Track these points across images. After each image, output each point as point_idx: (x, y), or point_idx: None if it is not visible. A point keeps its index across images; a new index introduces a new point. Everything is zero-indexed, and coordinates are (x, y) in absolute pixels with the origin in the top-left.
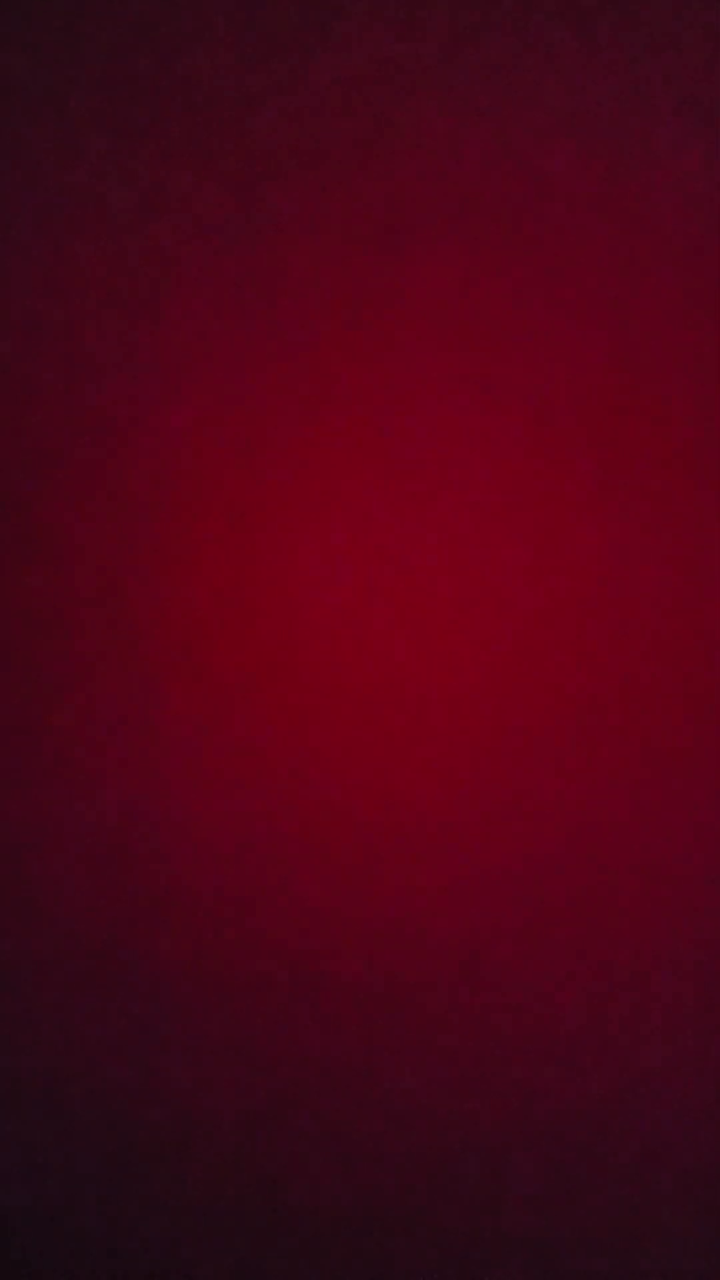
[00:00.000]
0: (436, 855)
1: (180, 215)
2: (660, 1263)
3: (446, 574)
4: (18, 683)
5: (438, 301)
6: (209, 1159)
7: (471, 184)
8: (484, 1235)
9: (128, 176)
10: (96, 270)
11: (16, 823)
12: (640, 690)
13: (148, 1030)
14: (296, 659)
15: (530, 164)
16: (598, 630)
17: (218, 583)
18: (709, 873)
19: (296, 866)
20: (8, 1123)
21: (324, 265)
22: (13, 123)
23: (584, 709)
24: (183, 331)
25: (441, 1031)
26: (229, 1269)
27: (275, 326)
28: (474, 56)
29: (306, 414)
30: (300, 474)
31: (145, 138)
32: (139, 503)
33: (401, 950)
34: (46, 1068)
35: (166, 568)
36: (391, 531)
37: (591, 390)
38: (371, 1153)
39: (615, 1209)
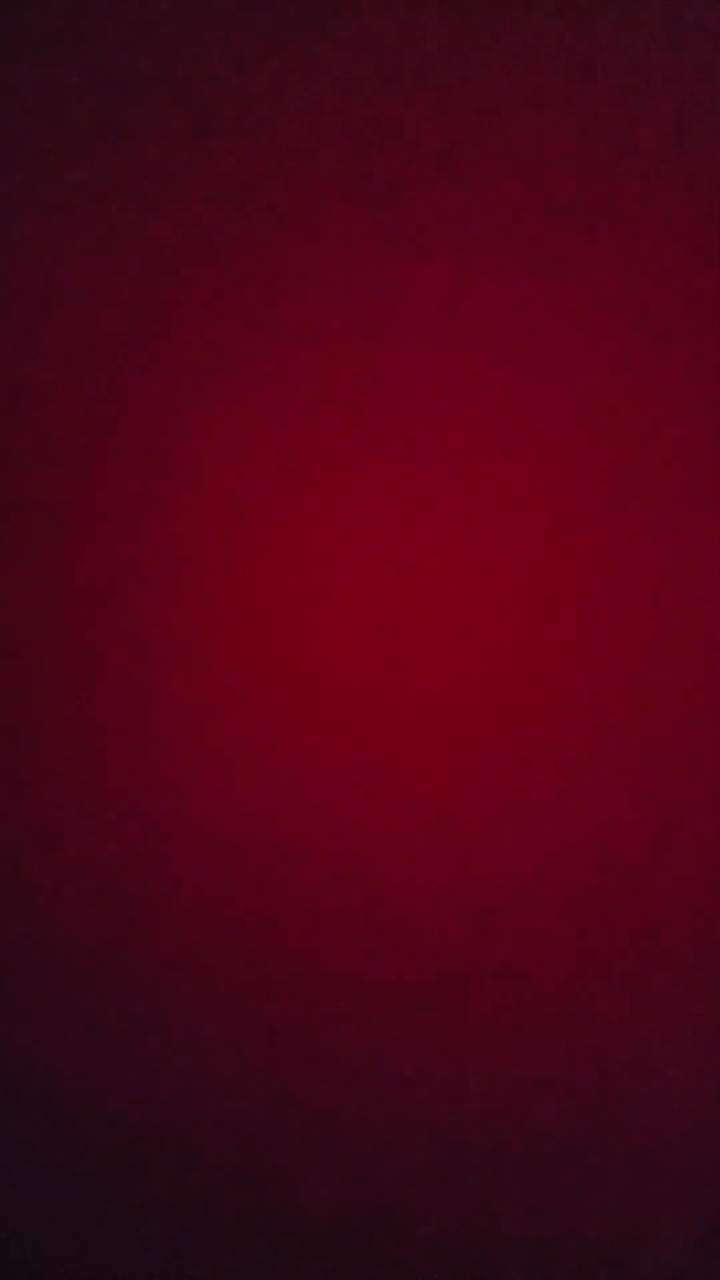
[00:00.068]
0: (436, 855)
1: (180, 215)
2: (660, 1263)
3: (446, 574)
4: (18, 683)
5: (438, 301)
6: (208, 1159)
7: (471, 184)
8: (483, 1236)
9: (128, 176)
10: (96, 270)
11: (16, 823)
12: (640, 690)
13: (148, 1030)
14: (296, 659)
15: (530, 164)
16: (598, 630)
17: (218, 583)
18: (709, 873)
19: (296, 866)
20: (7, 1123)
21: (324, 265)
22: (13, 123)
23: (584, 709)
24: (182, 331)
25: (441, 1031)
26: (228, 1269)
27: (275, 326)
28: (474, 56)
29: (306, 413)
30: (300, 474)
31: (145, 138)
32: (139, 503)
33: (401, 950)
34: (46, 1068)
35: (166, 568)
36: (391, 531)
37: (592, 390)
38: (371, 1153)
39: (615, 1209)
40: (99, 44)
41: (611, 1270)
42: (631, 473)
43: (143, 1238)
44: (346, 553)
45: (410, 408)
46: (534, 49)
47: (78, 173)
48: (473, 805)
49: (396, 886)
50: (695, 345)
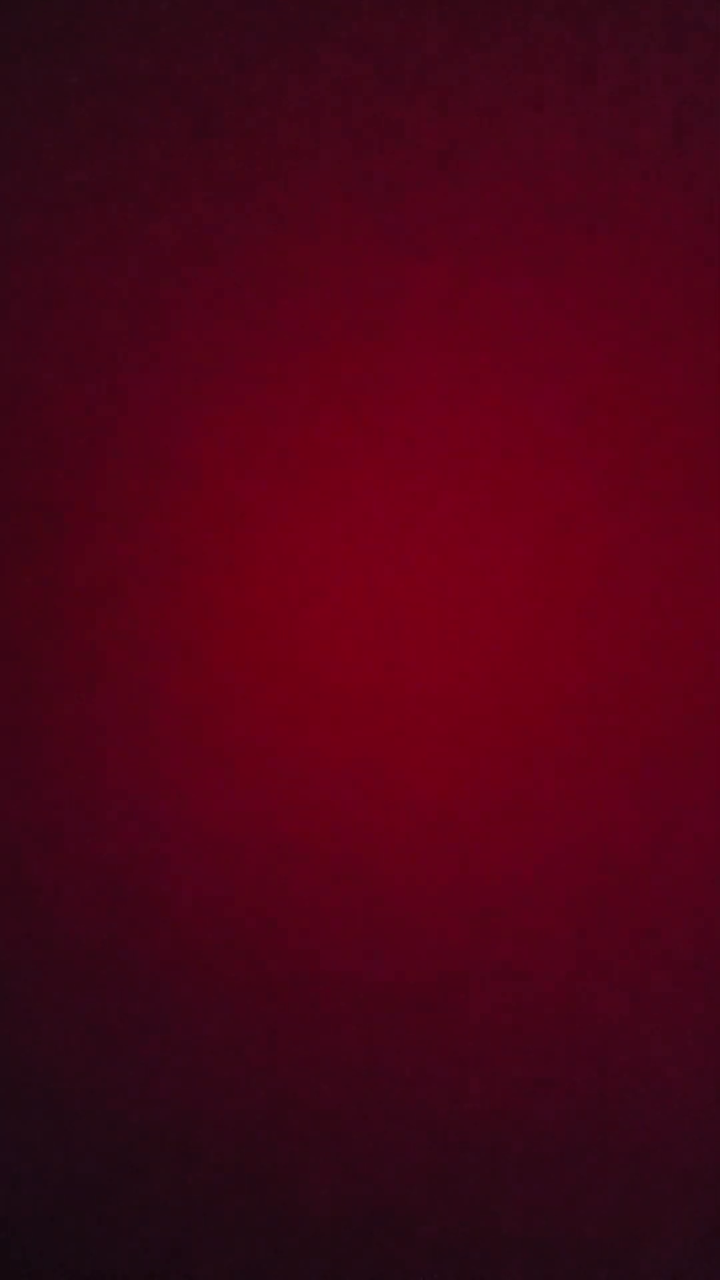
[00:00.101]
0: (436, 855)
1: (180, 215)
2: (660, 1263)
3: (446, 574)
4: (18, 683)
5: (438, 301)
6: (208, 1159)
7: (471, 184)
8: (483, 1236)
9: (128, 176)
10: (96, 270)
11: (17, 823)
12: (640, 690)
13: (148, 1030)
14: (296, 659)
15: (530, 164)
16: (598, 630)
17: (218, 583)
18: (709, 873)
19: (296, 866)
20: (8, 1123)
21: (324, 265)
22: (13, 123)
23: (584, 709)
24: (182, 331)
25: (441, 1031)
26: (228, 1269)
27: (275, 326)
28: (474, 56)
29: (306, 413)
30: (300, 474)
31: (145, 138)
32: (139, 503)
33: (401, 950)
34: (46, 1068)
35: (166, 568)
36: (391, 531)
37: (592, 390)
38: (371, 1153)
39: (615, 1209)
40: (99, 44)
41: (611, 1270)
42: (631, 473)
43: (143, 1238)
44: (346, 553)
45: (410, 408)
46: (534, 49)
47: (78, 173)
48: (473, 805)
49: (396, 886)
50: (695, 345)
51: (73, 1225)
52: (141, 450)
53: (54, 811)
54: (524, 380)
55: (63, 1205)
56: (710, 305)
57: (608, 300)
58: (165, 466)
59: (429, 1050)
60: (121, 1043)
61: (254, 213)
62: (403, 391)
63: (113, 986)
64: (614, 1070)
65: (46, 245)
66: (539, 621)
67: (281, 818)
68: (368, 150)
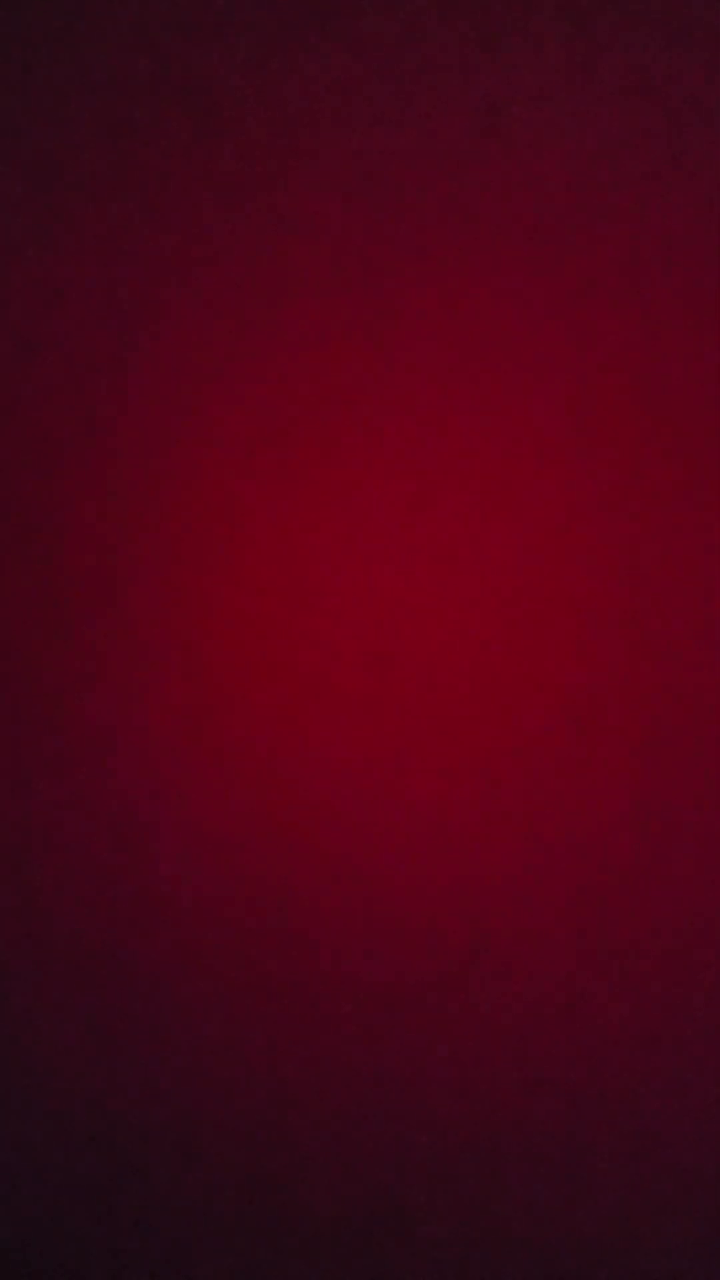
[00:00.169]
0: (436, 855)
1: (180, 215)
2: (660, 1263)
3: (446, 574)
4: (18, 683)
5: (438, 301)
6: (208, 1159)
7: (472, 183)
8: (483, 1236)
9: (128, 176)
10: (96, 270)
11: (16, 823)
12: (640, 690)
13: (148, 1030)
14: (296, 659)
15: (531, 164)
16: (598, 630)
17: (218, 583)
18: (709, 873)
19: (296, 866)
20: (8, 1123)
21: (324, 265)
22: (13, 123)
23: (584, 709)
24: (182, 331)
25: (441, 1031)
26: (228, 1269)
27: (275, 326)
28: (474, 57)
29: (306, 413)
30: (300, 474)
31: (145, 138)
32: (139, 503)
33: (401, 950)
34: (46, 1068)
35: (166, 568)
36: (391, 531)
37: (592, 390)
38: (371, 1153)
39: (615, 1209)
40: (99, 44)
41: (611, 1270)
42: (631, 473)
43: (143, 1238)
44: (346, 552)
45: (410, 408)
46: (534, 49)
47: (78, 173)
48: (473, 805)
49: (396, 886)
50: (696, 345)
51: (73, 1225)
52: (141, 450)
53: (54, 811)
54: (524, 380)
55: (63, 1205)
56: (710, 305)
57: (608, 300)
58: (165, 466)
59: (429, 1050)
60: (121, 1043)
61: (254, 213)
62: (403, 392)
63: (113, 986)
64: (614, 1070)
65: (46, 245)
66: (539, 621)
67: (281, 818)
68: (368, 150)
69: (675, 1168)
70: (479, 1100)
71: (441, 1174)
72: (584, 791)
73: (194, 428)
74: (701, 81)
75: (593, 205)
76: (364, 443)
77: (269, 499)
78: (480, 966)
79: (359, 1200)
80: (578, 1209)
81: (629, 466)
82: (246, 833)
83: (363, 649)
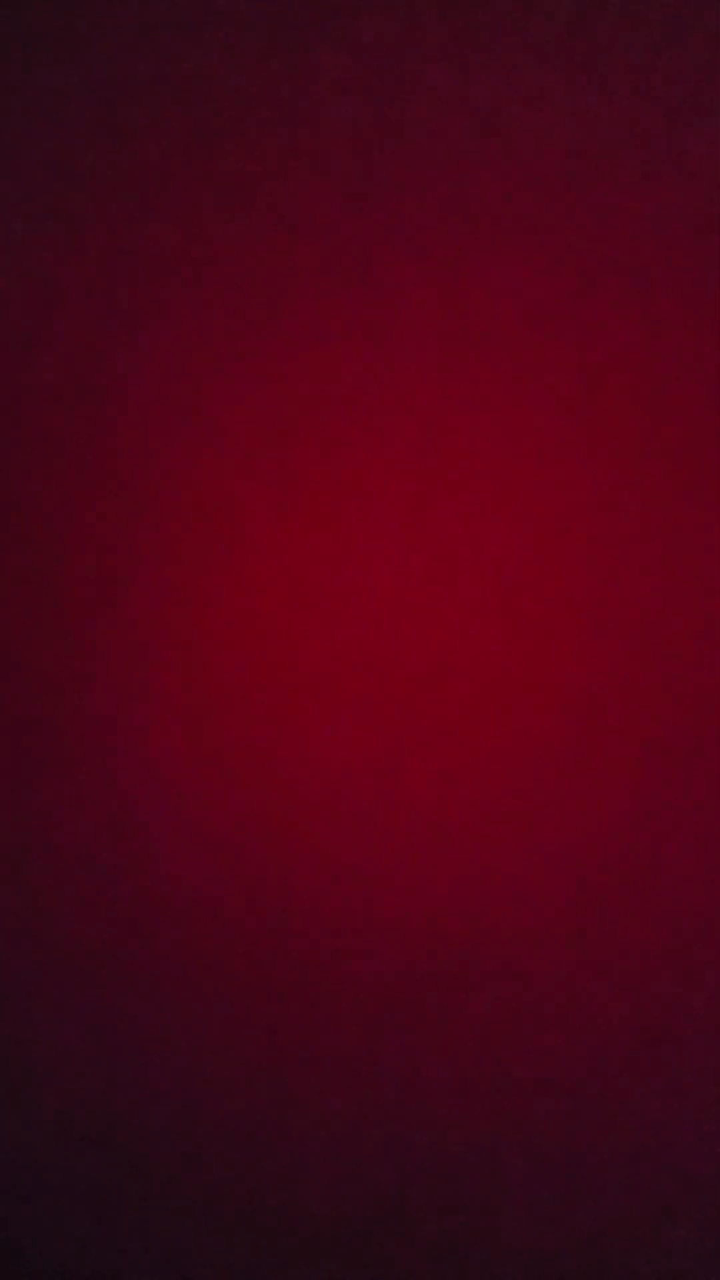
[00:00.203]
0: (436, 855)
1: (180, 215)
2: (660, 1263)
3: (446, 574)
4: (18, 683)
5: (438, 301)
6: (208, 1159)
7: (472, 183)
8: (483, 1236)
9: (128, 176)
10: (96, 270)
11: (17, 823)
12: (640, 690)
13: (148, 1030)
14: (296, 659)
15: (531, 164)
16: (598, 630)
17: (218, 583)
18: (709, 873)
19: (296, 866)
20: (8, 1123)
21: (324, 264)
22: (13, 123)
23: (584, 709)
24: (182, 331)
25: (441, 1031)
26: (228, 1269)
27: (275, 326)
28: (474, 56)
29: (307, 414)
30: (300, 474)
31: (145, 138)
32: (139, 503)
33: (401, 950)
34: (46, 1068)
35: (166, 568)
36: (391, 531)
37: (592, 390)
38: (371, 1153)
39: (615, 1209)
40: (99, 44)
41: (611, 1270)
42: (631, 473)
43: (143, 1238)
44: (346, 552)
45: (410, 408)
46: (534, 49)
47: (78, 173)
48: (473, 805)
49: (396, 886)
50: (696, 346)
51: (73, 1225)
52: (141, 450)
53: (54, 811)
54: (524, 380)
55: (63, 1205)
56: (710, 305)
57: (608, 300)
58: (165, 466)
59: (429, 1050)
60: (121, 1043)
61: (254, 213)
62: (403, 392)
63: (113, 986)
64: (614, 1070)
65: (46, 245)
66: (539, 621)
67: (281, 818)
68: (368, 150)
69: (675, 1168)
70: (479, 1100)
71: (441, 1174)
72: (584, 792)
73: (194, 428)
74: (701, 81)
75: (593, 205)
76: (364, 443)
77: (269, 499)
78: (480, 966)
79: (359, 1200)
80: (578, 1209)
81: (629, 466)
82: (246, 833)
83: (363, 649)
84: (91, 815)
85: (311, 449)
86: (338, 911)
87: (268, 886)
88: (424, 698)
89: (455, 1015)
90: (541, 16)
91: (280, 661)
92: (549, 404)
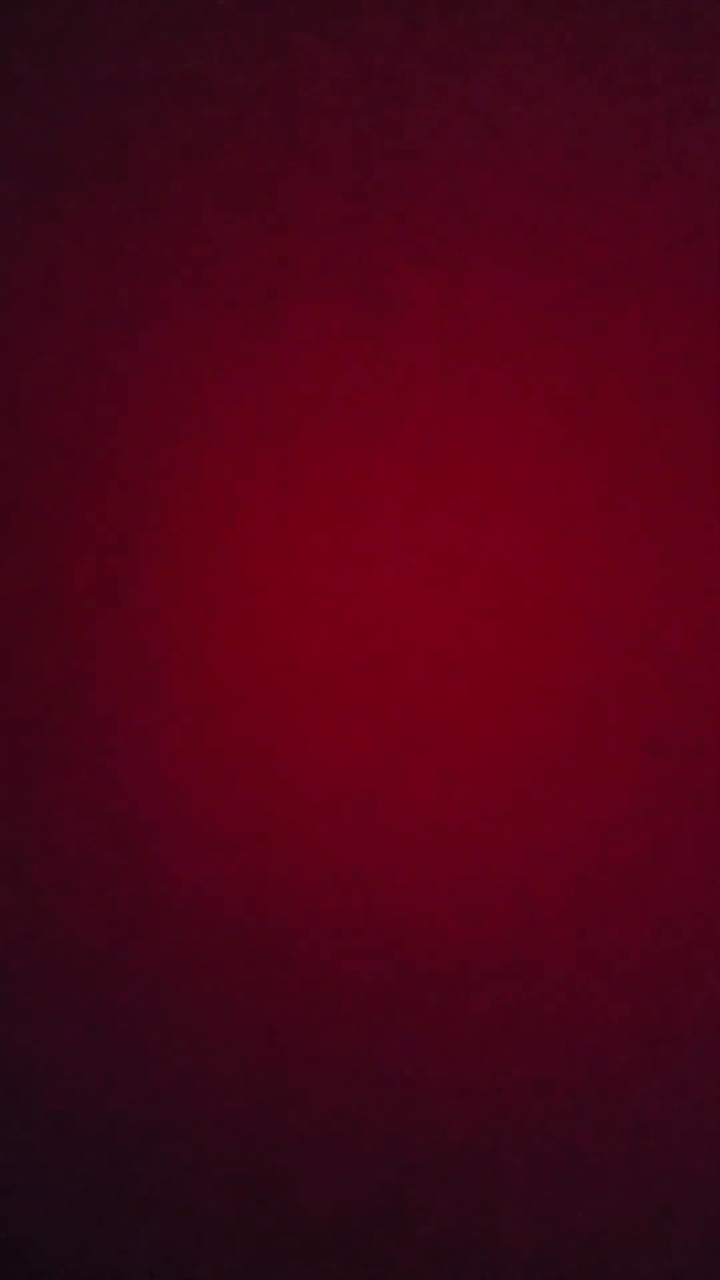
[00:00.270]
0: (436, 855)
1: (180, 216)
2: (660, 1263)
3: (447, 574)
4: (18, 683)
5: (438, 301)
6: (208, 1159)
7: (472, 183)
8: (483, 1236)
9: (128, 176)
10: (96, 270)
11: (17, 823)
12: (640, 690)
13: (148, 1030)
14: (296, 659)
15: (531, 164)
16: (598, 630)
17: (218, 583)
18: (709, 873)
19: (296, 866)
20: (8, 1123)
21: (324, 264)
22: (13, 123)
23: (584, 709)
24: (182, 331)
25: (441, 1031)
26: (228, 1269)
27: (275, 326)
28: (474, 57)
29: (307, 414)
30: (300, 474)
31: (145, 138)
32: (139, 503)
33: (401, 950)
34: (46, 1068)
35: (166, 568)
36: (391, 531)
37: (592, 390)
38: (371, 1153)
39: (615, 1209)
40: (99, 44)
41: (612, 1270)
42: (631, 473)
43: (143, 1238)
44: (346, 553)
45: (410, 408)
46: (534, 49)
47: (78, 173)
48: (473, 805)
49: (396, 886)
50: (695, 345)
51: (73, 1225)
52: (141, 450)
53: (54, 811)
54: (524, 380)
55: (63, 1205)
56: (710, 305)
57: (608, 300)
58: (165, 466)
59: (429, 1050)
60: (121, 1043)
61: (254, 213)
62: (403, 393)
63: (113, 986)
64: (614, 1070)
65: (46, 245)
66: (539, 621)
67: (281, 818)
68: (368, 150)
69: (675, 1168)
70: (479, 1100)
71: (441, 1174)
72: (584, 792)
73: (194, 428)
74: (702, 81)
75: (593, 205)
76: (364, 443)
77: (269, 499)
78: (480, 966)
79: (359, 1200)
80: (578, 1209)
81: (629, 466)
82: (246, 833)
83: (363, 649)
84: (92, 815)
85: (311, 449)
86: (338, 911)
87: (268, 886)
88: (424, 698)
89: (455, 1015)
90: (541, 16)
91: (280, 661)
92: (549, 404)
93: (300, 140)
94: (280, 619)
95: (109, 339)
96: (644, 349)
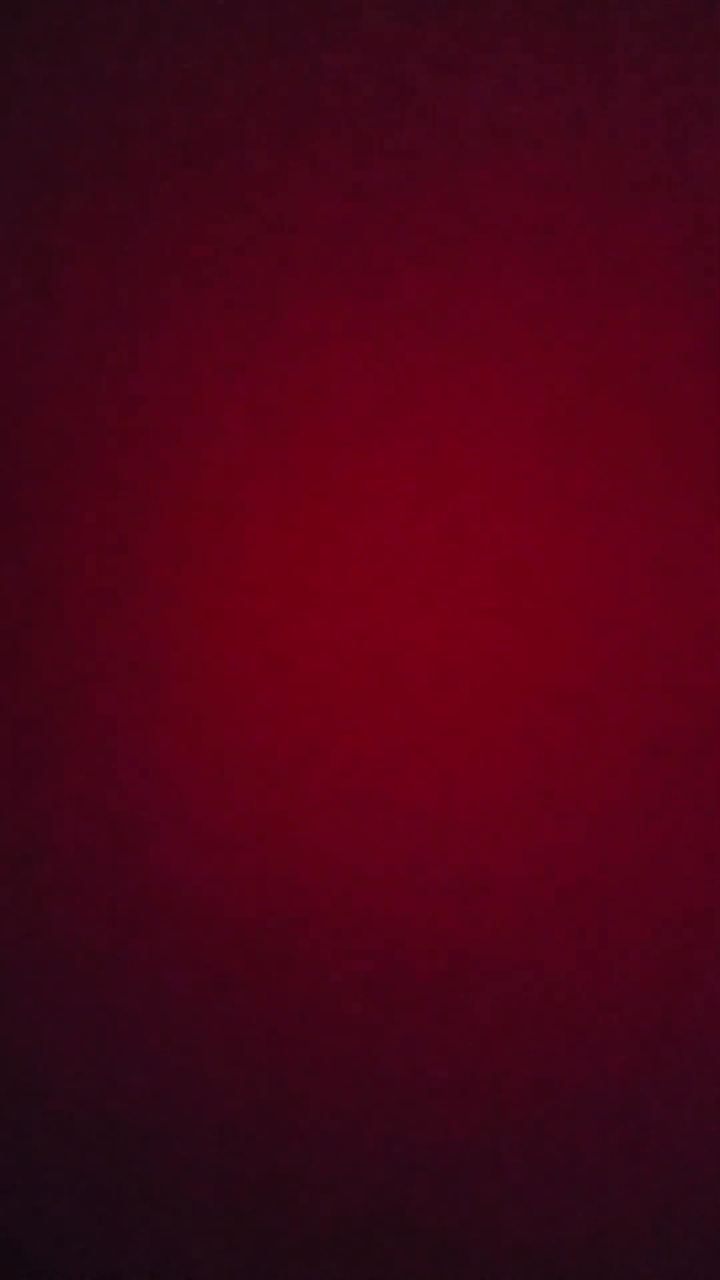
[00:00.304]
0: (437, 854)
1: (179, 216)
2: (660, 1263)
3: (447, 574)
4: (18, 683)
5: (439, 302)
6: (208, 1160)
7: (473, 184)
8: (483, 1236)
9: (128, 177)
10: (96, 270)
11: (17, 823)
12: (640, 689)
13: (148, 1030)
14: (296, 659)
15: (531, 164)
16: (598, 630)
17: (218, 583)
18: (709, 873)
19: (296, 866)
20: (8, 1123)
21: (324, 265)
22: (13, 123)
23: (584, 708)
24: (182, 331)
25: (441, 1031)
26: (228, 1269)
27: (276, 326)
28: (474, 57)
29: (307, 415)
30: (300, 475)
31: (145, 138)
32: (139, 503)
33: (401, 950)
34: (46, 1068)
35: (167, 568)
36: (392, 531)
37: (592, 391)
38: (371, 1153)
39: (615, 1209)
40: (99, 44)
41: (611, 1270)
42: (631, 473)
43: (143, 1238)
44: (347, 552)
45: (410, 407)
46: (534, 49)
47: (78, 173)
48: (473, 805)
49: (396, 886)
50: (695, 345)
51: (73, 1225)
52: (141, 450)
53: (54, 811)
54: (524, 380)
55: (63, 1205)
56: (710, 305)
57: (608, 300)
58: (165, 466)
59: (429, 1050)
60: (121, 1043)
61: (254, 213)
62: (403, 392)
63: (113, 986)
64: (614, 1070)
65: (46, 245)
66: (539, 621)
67: (281, 818)
68: (368, 150)
69: (675, 1168)
70: (479, 1100)
71: (441, 1174)
72: (584, 791)
73: (194, 428)
74: (702, 81)
75: (593, 205)
76: (364, 442)
77: (269, 499)
78: (480, 966)
79: (359, 1200)
80: (578, 1209)
81: (629, 466)
82: (246, 833)
83: (363, 649)
84: (92, 815)
85: (311, 449)
86: (338, 911)
87: (268, 886)
88: (424, 698)
89: (455, 1015)
90: (541, 16)
91: (280, 661)
92: (549, 404)
93: (300, 140)
94: (280, 619)
95: (109, 339)
96: (644, 349)
